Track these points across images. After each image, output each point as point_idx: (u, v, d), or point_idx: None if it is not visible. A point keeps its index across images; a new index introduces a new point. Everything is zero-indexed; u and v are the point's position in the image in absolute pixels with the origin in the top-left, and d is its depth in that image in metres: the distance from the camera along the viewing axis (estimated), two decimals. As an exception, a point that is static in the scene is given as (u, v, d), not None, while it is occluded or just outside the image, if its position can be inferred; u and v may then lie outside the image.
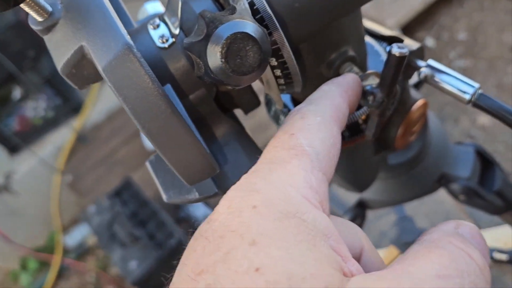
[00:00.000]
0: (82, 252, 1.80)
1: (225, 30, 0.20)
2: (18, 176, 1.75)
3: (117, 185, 1.58)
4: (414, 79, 0.45)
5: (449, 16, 1.80)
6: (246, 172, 0.28)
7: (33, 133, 1.83)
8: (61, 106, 1.87)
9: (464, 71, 1.67)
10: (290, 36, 0.25)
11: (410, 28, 1.81)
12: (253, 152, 0.28)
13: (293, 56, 0.25)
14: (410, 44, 0.36)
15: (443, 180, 0.52)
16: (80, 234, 1.79)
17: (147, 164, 0.29)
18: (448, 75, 0.34)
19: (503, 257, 0.72)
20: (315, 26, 0.26)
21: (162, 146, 0.21)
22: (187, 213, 1.56)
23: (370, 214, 1.36)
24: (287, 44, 0.24)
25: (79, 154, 1.87)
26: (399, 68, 0.25)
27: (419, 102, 0.41)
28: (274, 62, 0.25)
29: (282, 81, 0.27)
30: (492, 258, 0.73)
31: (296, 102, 0.35)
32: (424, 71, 0.34)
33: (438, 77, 0.35)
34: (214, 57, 0.20)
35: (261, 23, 0.23)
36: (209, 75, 0.20)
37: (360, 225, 0.55)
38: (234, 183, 0.28)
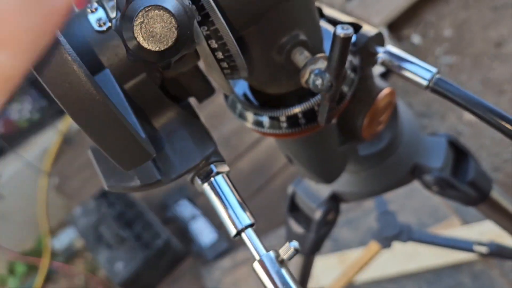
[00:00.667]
0: (70, 255, 1.79)
1: (137, 5, 0.19)
2: (4, 180, 1.74)
3: (102, 187, 1.57)
4: (380, 68, 0.45)
5: (435, 13, 1.81)
6: (193, 161, 0.27)
7: (18, 136, 1.81)
8: (46, 108, 1.85)
9: (450, 68, 1.67)
10: (232, 18, 0.25)
11: (396, 26, 1.82)
12: (203, 140, 0.28)
13: (232, 37, 0.24)
14: (369, 30, 0.35)
15: (416, 171, 0.52)
16: (67, 237, 1.78)
17: (89, 152, 0.28)
18: (406, 61, 0.34)
19: (483, 249, 0.72)
20: (258, 7, 0.26)
21: (93, 132, 0.21)
22: (174, 213, 1.55)
23: (358, 211, 1.36)
24: (224, 23, 0.24)
25: (66, 156, 1.85)
26: (345, 50, 0.24)
27: (385, 91, 0.41)
28: (214, 44, 0.24)
29: (225, 64, 0.26)
30: (472, 251, 0.73)
31: (254, 91, 0.35)
32: (382, 56, 0.34)
33: (397, 63, 0.34)
34: (129, 33, 0.19)
35: (197, 4, 0.23)
36: (129, 53, 0.20)
37: (335, 218, 0.55)
38: (180, 171, 0.27)
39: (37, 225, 1.82)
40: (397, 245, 1.23)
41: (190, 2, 0.23)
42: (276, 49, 0.29)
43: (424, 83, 0.34)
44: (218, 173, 0.29)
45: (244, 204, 0.30)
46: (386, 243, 0.76)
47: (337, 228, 1.34)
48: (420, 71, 0.34)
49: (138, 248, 1.40)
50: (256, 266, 0.28)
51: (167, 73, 0.27)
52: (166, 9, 0.19)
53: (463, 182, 0.52)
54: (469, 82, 1.61)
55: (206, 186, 0.29)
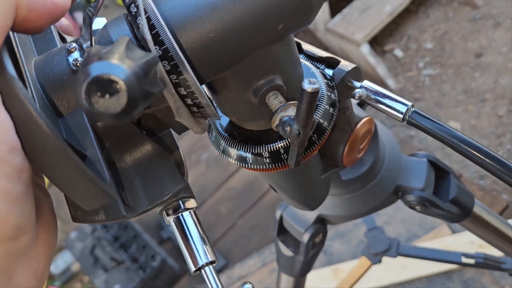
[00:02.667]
0: (67, 278, 1.79)
1: (89, 70, 0.19)
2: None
3: (98, 210, 1.58)
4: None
5: (416, 27, 1.85)
6: (161, 198, 0.29)
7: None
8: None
9: (433, 79, 1.71)
10: (202, 68, 0.26)
11: (378, 41, 1.86)
12: (173, 176, 0.29)
13: (200, 88, 0.25)
14: (346, 64, 0.37)
15: (399, 192, 0.53)
16: (64, 261, 1.78)
17: None
18: (382, 95, 0.36)
19: (471, 261, 0.74)
20: (230, 59, 0.27)
21: (50, 176, 0.21)
22: (170, 233, 1.57)
23: (350, 224, 1.38)
24: (192, 76, 0.25)
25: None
26: (313, 103, 0.25)
27: (364, 120, 0.43)
28: (183, 91, 0.25)
29: (195, 109, 0.27)
30: (461, 263, 0.75)
31: (235, 125, 0.36)
32: (358, 91, 0.36)
33: (373, 97, 0.36)
34: (79, 94, 0.19)
35: (166, 55, 0.24)
36: None
37: (322, 240, 0.56)
38: (147, 207, 0.28)
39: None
40: (389, 257, 1.24)
41: (160, 52, 0.24)
42: (251, 91, 0.30)
43: (400, 116, 0.36)
44: (185, 209, 0.31)
45: (208, 241, 0.31)
46: (375, 259, 0.78)
47: (329, 241, 1.36)
48: (395, 105, 0.36)
49: (134, 269, 1.41)
50: None
51: (144, 110, 0.27)
52: (115, 77, 0.19)
53: (446, 201, 0.54)
54: (452, 92, 1.65)
55: (172, 221, 0.31)
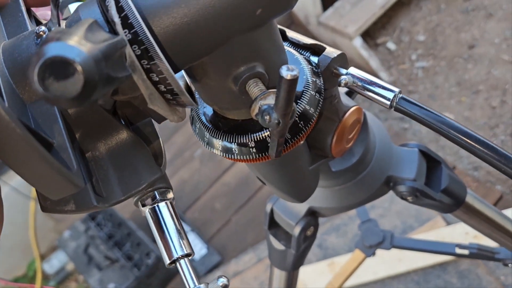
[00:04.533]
0: (62, 278, 1.78)
1: (43, 51, 0.18)
2: (-10, 207, 1.72)
3: (91, 208, 1.57)
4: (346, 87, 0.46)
5: (408, 19, 1.85)
6: (135, 188, 0.28)
7: (2, 163, 1.80)
8: (30, 132, 1.84)
9: (426, 71, 1.71)
10: (175, 55, 0.25)
11: (371, 34, 1.85)
12: (149, 166, 0.28)
13: (173, 75, 0.24)
14: (332, 51, 0.36)
15: (391, 183, 0.53)
16: (58, 260, 1.77)
17: None
18: (369, 82, 0.35)
19: (465, 252, 0.73)
20: (205, 48, 0.26)
21: (13, 165, 0.20)
22: (164, 231, 1.56)
23: (345, 217, 1.38)
24: (164, 61, 0.24)
25: (53, 180, 1.85)
26: (291, 90, 0.24)
27: (352, 109, 0.42)
28: (155, 77, 0.24)
29: (169, 96, 0.26)
30: (455, 254, 0.75)
31: (219, 116, 0.35)
32: (344, 78, 0.35)
33: (360, 84, 0.36)
34: (32, 77, 0.18)
35: (136, 39, 0.23)
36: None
37: (314, 233, 0.56)
38: (120, 197, 0.27)
39: (27, 250, 1.81)
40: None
41: (129, 36, 0.23)
42: (231, 79, 0.29)
43: (387, 102, 0.35)
44: (161, 200, 0.30)
45: (184, 234, 0.30)
46: (369, 251, 0.77)
47: (325, 235, 1.36)
48: (383, 92, 0.35)
49: (129, 268, 1.40)
50: None
51: (118, 96, 0.26)
52: (69, 59, 0.18)
53: (437, 191, 0.53)
54: (445, 84, 1.64)
55: (147, 212, 0.30)
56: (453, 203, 0.56)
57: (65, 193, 0.22)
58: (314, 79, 0.34)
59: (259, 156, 0.34)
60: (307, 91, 0.33)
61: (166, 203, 0.30)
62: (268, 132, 0.33)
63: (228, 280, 0.29)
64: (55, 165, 0.21)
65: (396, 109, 0.36)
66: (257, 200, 1.57)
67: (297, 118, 0.33)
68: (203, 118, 0.36)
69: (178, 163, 1.72)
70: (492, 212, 0.60)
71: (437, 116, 0.35)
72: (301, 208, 0.54)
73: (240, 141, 0.34)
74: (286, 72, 0.23)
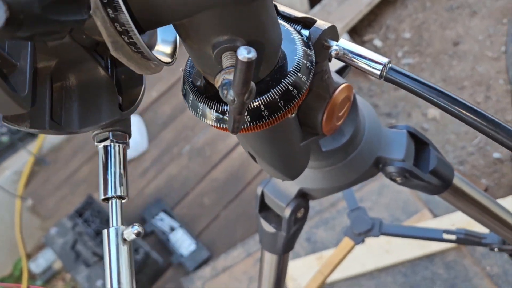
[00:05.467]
0: (49, 277, 1.76)
1: None
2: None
3: (78, 205, 1.56)
4: (337, 65, 0.47)
5: (394, 17, 1.87)
6: (92, 124, 0.30)
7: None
8: (15, 130, 1.83)
9: (412, 68, 1.73)
10: (141, 13, 0.26)
11: (358, 31, 1.87)
12: (111, 107, 0.30)
13: (136, 32, 0.25)
14: (323, 24, 0.37)
15: (380, 164, 0.54)
16: (45, 259, 1.75)
17: None
18: (359, 53, 0.36)
19: (452, 237, 0.75)
20: (169, 17, 0.26)
21: None
22: (153, 227, 1.55)
23: (333, 211, 1.39)
24: (126, 14, 0.24)
25: (40, 177, 1.83)
26: (248, 73, 0.24)
27: (342, 86, 0.43)
28: (119, 28, 0.25)
29: (133, 48, 0.26)
30: (443, 240, 0.76)
31: (211, 85, 0.35)
32: (335, 48, 0.36)
33: (350, 55, 0.36)
34: None
35: None
36: None
37: (304, 215, 0.56)
38: (76, 129, 0.30)
39: (13, 249, 1.78)
40: (372, 240, 1.26)
41: None
42: (210, 45, 0.29)
43: (377, 72, 0.35)
44: (115, 142, 0.32)
45: (126, 180, 0.33)
46: (358, 239, 0.78)
47: (313, 228, 1.36)
48: (372, 62, 0.36)
49: (117, 264, 1.39)
50: (105, 233, 0.31)
51: (93, 37, 0.28)
52: None
53: (426, 172, 0.54)
54: (431, 80, 1.67)
55: (100, 148, 0.32)
56: (441, 185, 0.57)
57: (11, 111, 0.24)
58: (305, 49, 0.35)
59: (253, 124, 0.34)
60: (299, 60, 0.34)
61: (119, 145, 0.32)
62: (261, 101, 0.33)
63: (142, 229, 0.31)
64: (2, 85, 0.22)
65: (386, 79, 0.36)
66: (246, 196, 1.57)
67: (290, 86, 0.33)
68: (196, 90, 0.36)
69: (167, 159, 1.72)
70: (479, 195, 0.61)
71: (427, 85, 0.35)
72: (292, 190, 0.54)
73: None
74: (242, 54, 0.23)
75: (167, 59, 0.30)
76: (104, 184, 0.32)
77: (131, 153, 1.77)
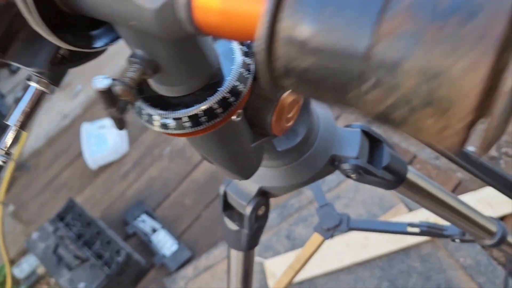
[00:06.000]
0: (33, 282, 1.76)
1: None
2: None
3: (60, 209, 1.56)
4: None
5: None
6: (20, 64, 0.35)
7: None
8: (-4, 135, 1.82)
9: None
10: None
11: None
12: (42, 59, 0.35)
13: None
14: None
15: (336, 162, 0.56)
16: (29, 264, 1.75)
17: None
18: None
19: (416, 230, 0.77)
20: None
21: None
22: (135, 229, 1.56)
23: (312, 208, 1.41)
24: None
25: (22, 182, 1.83)
26: (106, 98, 0.29)
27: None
28: None
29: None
30: (406, 232, 0.78)
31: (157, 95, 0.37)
32: None
33: None
34: None
35: None
36: None
37: (265, 213, 0.58)
38: (7, 61, 0.34)
39: (-3, 256, 1.78)
40: (351, 236, 1.28)
41: None
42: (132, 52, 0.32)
43: None
44: (37, 82, 0.38)
45: (27, 117, 0.39)
46: (327, 234, 0.80)
47: (293, 226, 1.39)
48: None
49: (99, 266, 1.40)
50: None
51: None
52: None
53: (379, 168, 0.56)
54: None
55: (25, 83, 0.39)
56: (395, 180, 0.59)
57: None
58: (243, 58, 0.37)
59: (193, 130, 0.36)
60: (235, 69, 0.36)
61: (36, 88, 0.38)
62: (203, 107, 0.36)
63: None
64: None
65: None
66: (227, 195, 1.59)
67: (227, 94, 0.35)
68: (146, 103, 0.38)
69: (148, 161, 1.73)
70: (434, 189, 0.64)
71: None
72: (252, 189, 0.56)
73: (175, 116, 0.36)
74: (94, 84, 0.27)
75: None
76: (12, 111, 0.38)
77: (112, 156, 1.78)
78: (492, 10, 0.17)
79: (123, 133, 1.79)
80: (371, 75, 0.19)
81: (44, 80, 0.38)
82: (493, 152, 1.43)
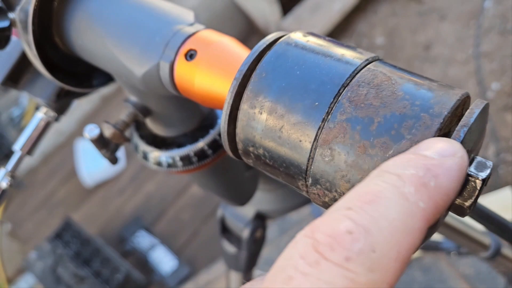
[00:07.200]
0: (31, 301, 1.74)
1: None
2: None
3: (57, 227, 1.55)
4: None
5: (366, 23, 1.90)
6: (26, 91, 0.38)
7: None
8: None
9: (385, 74, 1.75)
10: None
11: (331, 37, 1.89)
12: (46, 90, 0.38)
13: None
14: None
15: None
16: (26, 283, 1.73)
17: None
18: None
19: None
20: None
21: None
22: (133, 245, 1.55)
23: (311, 220, 1.40)
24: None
25: (17, 201, 1.81)
26: (96, 144, 0.34)
27: None
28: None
29: None
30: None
31: (153, 134, 0.39)
32: None
33: None
34: None
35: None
36: None
37: (262, 235, 0.57)
38: (23, 90, 0.38)
39: (-8, 275, 1.76)
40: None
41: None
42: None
43: None
44: (41, 114, 0.40)
45: (33, 142, 0.40)
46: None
47: (293, 238, 1.37)
48: None
49: (98, 285, 1.39)
50: None
51: None
52: None
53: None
54: (404, 85, 1.69)
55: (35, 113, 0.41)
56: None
57: None
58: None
59: (185, 168, 0.37)
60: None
61: (42, 118, 0.39)
62: (194, 148, 0.37)
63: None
64: None
65: None
66: (226, 209, 1.58)
67: (218, 136, 0.37)
68: (143, 140, 0.40)
69: (143, 177, 1.71)
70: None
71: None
72: (249, 212, 0.56)
73: (169, 155, 0.37)
74: (85, 133, 0.32)
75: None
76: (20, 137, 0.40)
77: (109, 172, 1.76)
78: (416, 139, 0.18)
79: (121, 149, 1.78)
80: (310, 175, 0.21)
81: (51, 110, 0.39)
82: (491, 158, 1.43)
